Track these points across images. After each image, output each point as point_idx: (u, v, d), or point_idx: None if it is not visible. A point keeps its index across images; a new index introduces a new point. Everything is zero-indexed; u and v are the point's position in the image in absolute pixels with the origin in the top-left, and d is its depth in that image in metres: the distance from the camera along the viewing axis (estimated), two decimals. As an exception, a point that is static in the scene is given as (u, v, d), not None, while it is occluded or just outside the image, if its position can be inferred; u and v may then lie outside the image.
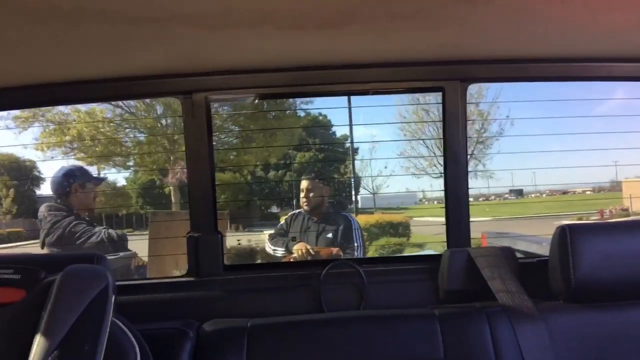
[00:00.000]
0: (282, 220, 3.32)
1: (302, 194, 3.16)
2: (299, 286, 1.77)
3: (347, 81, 1.78)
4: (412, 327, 1.42)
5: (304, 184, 3.17)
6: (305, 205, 3.14)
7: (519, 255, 1.78)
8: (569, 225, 1.43)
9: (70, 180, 2.95)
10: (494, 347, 1.37)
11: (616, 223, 1.52)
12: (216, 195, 1.82)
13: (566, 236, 1.40)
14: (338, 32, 1.43)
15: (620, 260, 1.38)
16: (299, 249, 2.94)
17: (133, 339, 1.17)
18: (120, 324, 1.18)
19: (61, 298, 1.07)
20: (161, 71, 1.71)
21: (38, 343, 0.99)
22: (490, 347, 1.37)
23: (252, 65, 1.70)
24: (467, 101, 1.80)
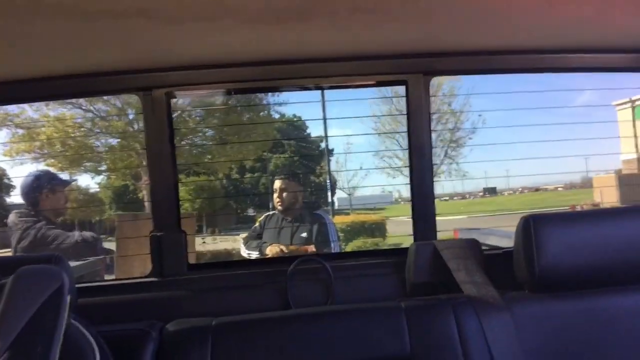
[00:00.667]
0: (257, 223, 3.30)
1: (275, 194, 3.14)
2: (265, 284, 1.75)
3: (310, 75, 1.77)
4: (378, 321, 1.41)
5: (277, 183, 3.16)
6: (279, 205, 3.11)
7: (485, 247, 1.79)
8: (532, 216, 1.43)
9: (39, 185, 2.92)
10: (460, 337, 1.37)
11: (579, 213, 1.54)
12: (179, 193, 1.79)
13: (530, 226, 1.40)
14: (300, 25, 1.42)
15: (583, 249, 1.39)
16: (272, 251, 2.91)
17: (92, 341, 1.14)
18: (79, 325, 1.15)
19: (12, 299, 1.03)
20: (119, 67, 1.67)
21: None
22: (457, 337, 1.37)
23: (213, 60, 1.67)
24: (431, 95, 1.80)
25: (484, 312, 1.39)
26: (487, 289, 1.48)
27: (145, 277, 1.78)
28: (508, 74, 1.81)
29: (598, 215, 1.51)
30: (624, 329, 1.39)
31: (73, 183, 3.35)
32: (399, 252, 1.81)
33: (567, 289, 1.43)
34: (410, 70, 1.76)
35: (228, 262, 1.92)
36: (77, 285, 1.42)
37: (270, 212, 3.27)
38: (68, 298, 1.09)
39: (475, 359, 1.34)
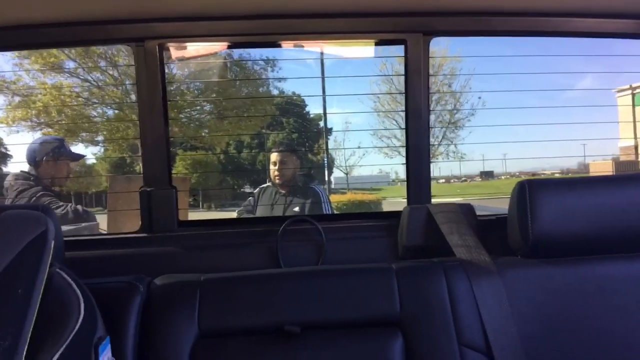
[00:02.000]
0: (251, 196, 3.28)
1: (273, 167, 3.11)
2: (256, 243, 1.73)
3: (308, 31, 1.73)
4: (368, 281, 1.40)
5: (275, 156, 3.13)
6: (277, 178, 3.09)
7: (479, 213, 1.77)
8: (527, 181, 1.41)
9: (44, 150, 2.89)
10: (451, 300, 1.35)
11: (575, 179, 1.51)
12: (170, 148, 1.76)
13: (525, 191, 1.38)
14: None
15: (578, 215, 1.37)
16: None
17: (78, 291, 1.12)
18: (65, 275, 1.13)
19: None
20: (112, 17, 1.63)
21: None
22: (447, 299, 1.35)
23: (207, 12, 1.63)
24: (430, 55, 1.77)
25: (476, 276, 1.38)
26: (479, 253, 1.46)
27: (135, 232, 1.76)
28: (510, 36, 1.77)
29: (595, 182, 1.48)
30: (615, 297, 1.37)
31: (80, 160, 3.31)
32: (392, 215, 1.79)
33: (560, 256, 1.41)
34: (409, 29, 1.72)
35: (219, 220, 1.89)
36: (65, 238, 1.40)
37: (264, 185, 3.25)
38: (52, 244, 1.07)
39: (465, 322, 1.33)
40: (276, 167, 3.09)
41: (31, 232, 1.06)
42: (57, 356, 0.96)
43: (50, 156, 2.87)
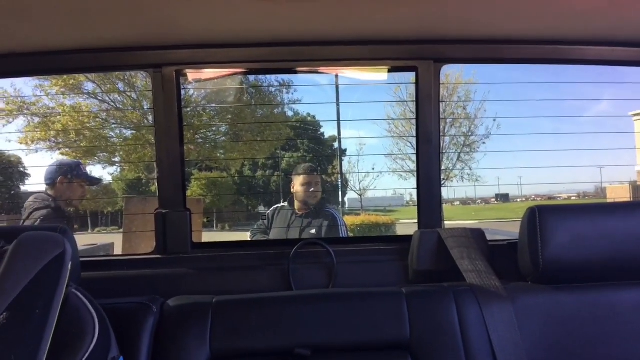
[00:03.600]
0: (265, 216, 3.26)
1: (302, 188, 3.04)
2: (268, 265, 1.75)
3: (321, 58, 1.76)
4: (379, 305, 1.40)
5: (306, 178, 3.06)
6: (310, 199, 3.05)
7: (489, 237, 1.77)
8: (538, 207, 1.42)
9: (60, 171, 2.96)
10: (461, 325, 1.35)
11: (586, 205, 1.51)
12: (185, 171, 1.79)
13: (535, 217, 1.39)
14: (312, 5, 1.42)
15: (588, 241, 1.37)
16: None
17: (93, 311, 1.14)
18: (81, 295, 1.15)
19: (13, 262, 1.04)
20: (130, 43, 1.67)
21: None
22: (457, 325, 1.35)
23: (223, 39, 1.68)
24: (442, 82, 1.79)
25: (486, 301, 1.38)
26: (490, 278, 1.46)
27: (149, 253, 1.79)
28: (519, 64, 1.79)
29: (605, 208, 1.48)
30: (626, 325, 1.37)
31: (96, 185, 3.37)
32: (402, 239, 1.80)
33: (571, 282, 1.41)
34: (421, 56, 1.75)
35: (232, 243, 1.90)
36: (81, 259, 1.43)
37: (279, 205, 3.23)
38: (69, 265, 1.10)
39: (475, 347, 1.33)
40: (309, 189, 3.03)
41: (49, 253, 1.08)
42: None
43: (65, 176, 2.93)
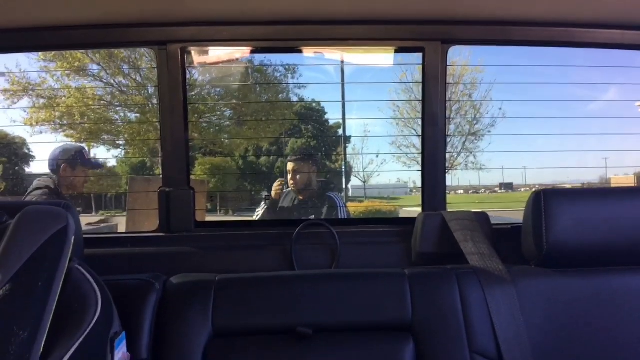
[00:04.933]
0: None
1: (289, 175, 3.21)
2: (270, 245, 1.75)
3: (327, 37, 1.75)
4: (381, 287, 1.40)
5: (290, 165, 3.23)
6: (293, 185, 3.19)
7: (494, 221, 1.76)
8: (543, 190, 1.41)
9: (63, 155, 2.98)
10: (463, 307, 1.35)
11: (591, 189, 1.51)
12: (189, 150, 1.79)
13: (540, 201, 1.38)
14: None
15: (593, 226, 1.36)
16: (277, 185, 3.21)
17: (96, 287, 1.14)
18: (84, 270, 1.15)
19: (16, 235, 1.04)
20: (135, 20, 1.67)
21: None
22: (459, 307, 1.35)
23: (228, 17, 1.67)
24: (449, 64, 1.78)
25: (489, 284, 1.37)
26: (493, 261, 1.46)
27: (153, 232, 1.79)
28: (527, 46, 1.78)
29: (610, 193, 1.47)
30: (629, 309, 1.36)
31: (98, 170, 3.39)
32: (406, 222, 1.80)
33: (574, 266, 1.40)
34: (428, 37, 1.74)
35: (235, 222, 1.92)
36: (85, 236, 1.44)
37: (287, 189, 3.33)
38: (72, 239, 1.10)
39: (477, 330, 1.33)
40: (295, 176, 3.18)
41: (52, 227, 1.08)
42: (73, 349, 0.98)
43: (67, 161, 2.95)
